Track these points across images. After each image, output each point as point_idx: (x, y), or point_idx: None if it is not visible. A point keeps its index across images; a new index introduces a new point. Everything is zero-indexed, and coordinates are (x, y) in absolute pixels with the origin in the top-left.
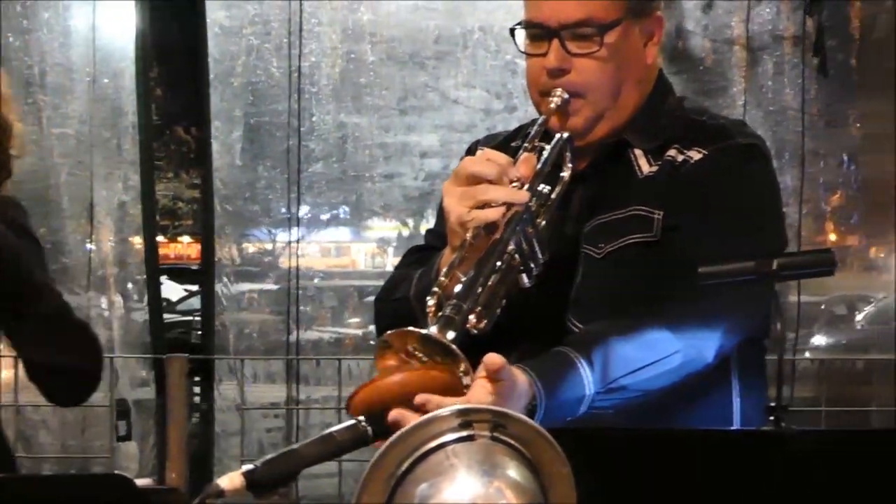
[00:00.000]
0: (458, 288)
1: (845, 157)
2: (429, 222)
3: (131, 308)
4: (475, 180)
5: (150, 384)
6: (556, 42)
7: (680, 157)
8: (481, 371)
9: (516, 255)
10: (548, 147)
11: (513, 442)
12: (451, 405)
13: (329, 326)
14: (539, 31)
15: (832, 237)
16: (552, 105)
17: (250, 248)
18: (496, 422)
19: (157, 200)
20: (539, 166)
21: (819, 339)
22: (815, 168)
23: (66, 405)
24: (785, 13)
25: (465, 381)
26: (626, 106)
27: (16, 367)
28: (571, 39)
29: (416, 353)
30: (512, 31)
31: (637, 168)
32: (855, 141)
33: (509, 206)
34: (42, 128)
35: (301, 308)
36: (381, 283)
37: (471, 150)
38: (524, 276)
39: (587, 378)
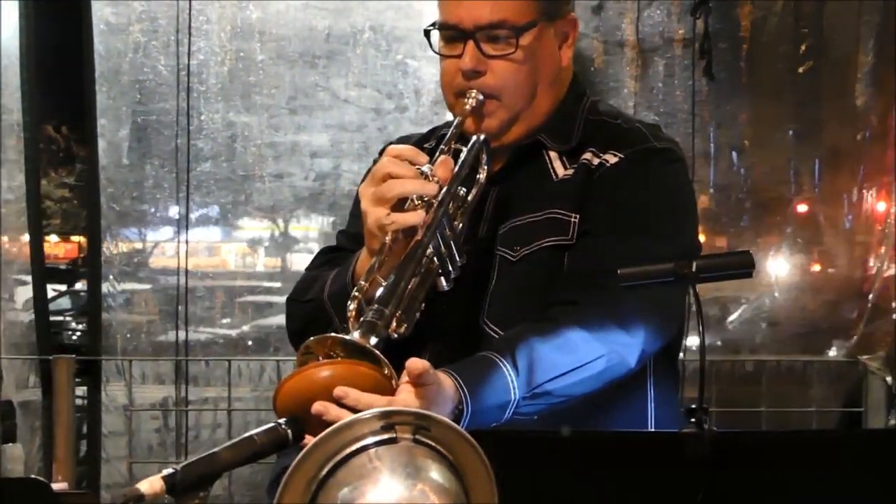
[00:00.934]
0: (378, 292)
1: (735, 159)
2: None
3: (5, 308)
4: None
5: (37, 385)
6: (471, 44)
7: (596, 161)
8: (405, 376)
9: (434, 259)
10: (465, 149)
11: (435, 444)
12: (369, 401)
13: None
14: (454, 33)
15: (720, 239)
16: (467, 107)
17: (134, 246)
18: (418, 424)
19: (42, 199)
20: (457, 168)
21: (693, 340)
22: (704, 170)
23: None
24: (675, 15)
25: (392, 383)
26: (540, 108)
27: None
28: (486, 41)
29: (339, 357)
30: (427, 32)
31: (552, 171)
32: (743, 143)
33: (428, 208)
34: None
35: (186, 307)
36: (264, 283)
37: (383, 154)
38: (442, 279)
39: (513, 383)
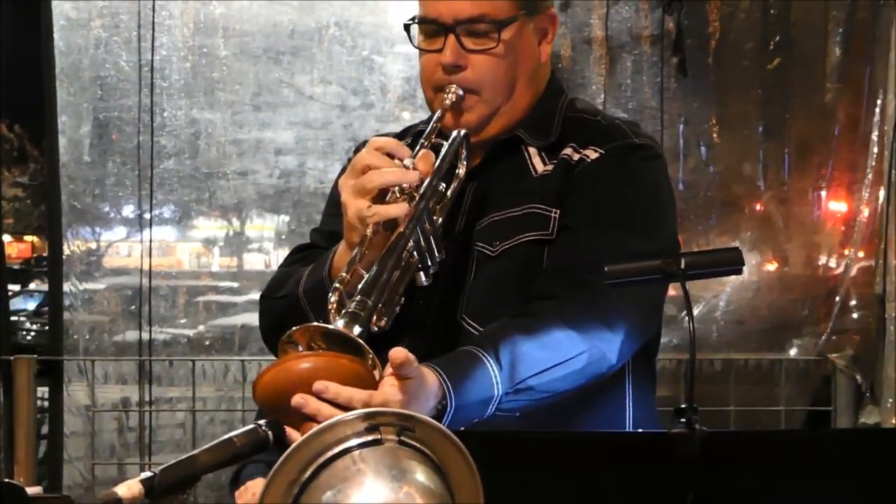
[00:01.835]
0: (361, 284)
1: (703, 155)
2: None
3: None
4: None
5: None
6: (451, 38)
7: (576, 156)
8: (389, 369)
9: (414, 253)
10: (445, 144)
11: (420, 445)
12: (349, 395)
13: (177, 328)
14: (434, 28)
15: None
16: (447, 102)
17: (94, 245)
18: (402, 425)
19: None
20: (437, 163)
21: None
22: (673, 167)
23: None
24: (643, 12)
25: (375, 374)
26: (519, 103)
27: None
28: (467, 36)
29: (321, 349)
30: (407, 26)
31: (531, 166)
32: (712, 140)
33: (410, 200)
34: None
35: (150, 307)
36: (222, 283)
37: (359, 150)
38: (421, 274)
39: (496, 378)
